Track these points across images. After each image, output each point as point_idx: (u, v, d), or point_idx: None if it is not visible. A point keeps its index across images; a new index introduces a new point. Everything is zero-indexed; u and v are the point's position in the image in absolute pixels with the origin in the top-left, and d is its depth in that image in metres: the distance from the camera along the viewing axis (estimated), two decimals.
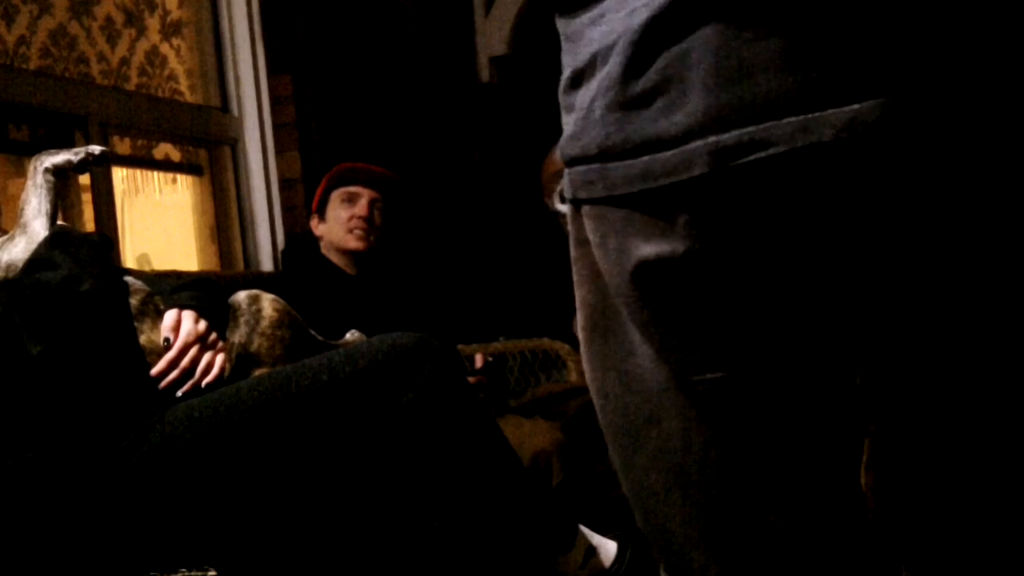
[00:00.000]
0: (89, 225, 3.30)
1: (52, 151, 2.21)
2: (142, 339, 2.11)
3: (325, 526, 2.11)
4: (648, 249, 0.96)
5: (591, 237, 1.02)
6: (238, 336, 2.17)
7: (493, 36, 4.90)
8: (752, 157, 0.90)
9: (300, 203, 3.78)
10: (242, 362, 2.15)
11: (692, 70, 0.92)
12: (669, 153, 0.93)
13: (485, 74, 4.92)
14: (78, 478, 1.97)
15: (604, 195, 0.97)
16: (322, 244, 3.34)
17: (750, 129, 0.90)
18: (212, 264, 3.80)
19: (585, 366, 1.12)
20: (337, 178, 3.35)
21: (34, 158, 2.20)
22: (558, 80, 1.06)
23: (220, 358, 2.14)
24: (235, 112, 3.86)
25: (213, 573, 2.21)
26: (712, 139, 0.91)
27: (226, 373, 2.13)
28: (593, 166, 0.98)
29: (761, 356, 0.99)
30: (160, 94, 3.66)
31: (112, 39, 3.52)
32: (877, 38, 0.90)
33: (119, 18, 3.55)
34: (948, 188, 0.91)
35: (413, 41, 4.54)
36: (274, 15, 3.86)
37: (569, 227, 1.07)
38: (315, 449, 2.05)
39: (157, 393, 2.08)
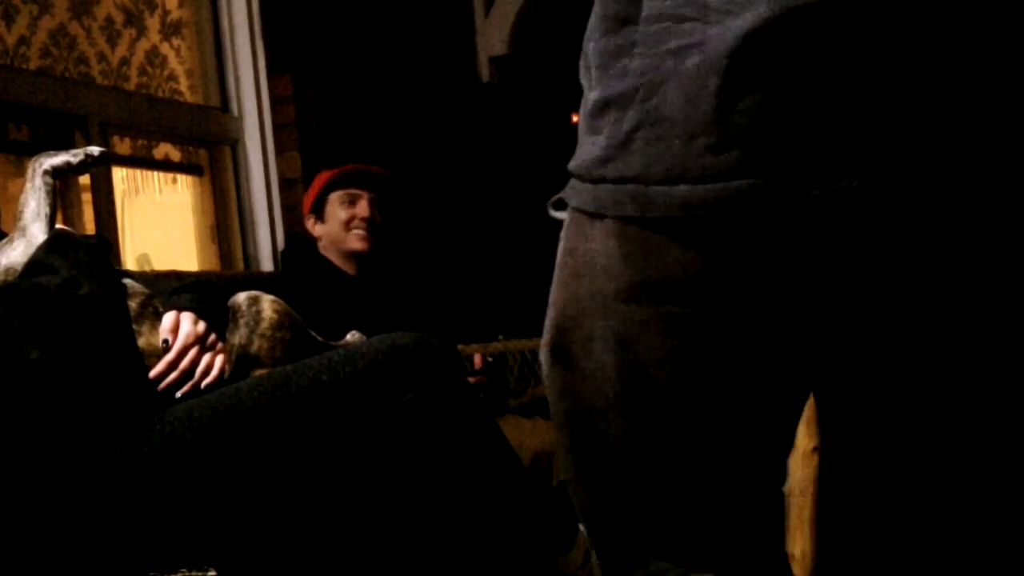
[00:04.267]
0: (89, 225, 3.30)
1: (51, 152, 2.20)
2: (141, 341, 2.10)
3: (325, 526, 2.11)
4: (669, 267, 1.03)
5: (597, 246, 1.08)
6: (238, 337, 2.16)
7: (493, 36, 4.90)
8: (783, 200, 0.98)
9: (300, 203, 3.78)
10: (242, 363, 2.15)
11: (738, 114, 0.98)
12: (709, 186, 1.00)
13: (485, 74, 4.93)
14: (78, 478, 1.97)
15: (636, 215, 1.03)
16: (320, 245, 3.34)
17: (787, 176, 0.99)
18: (212, 264, 3.80)
19: (548, 357, 1.21)
20: (337, 180, 3.35)
21: (33, 160, 2.20)
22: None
23: (219, 359, 2.14)
24: (235, 112, 3.86)
25: (213, 573, 2.21)
26: (754, 180, 0.98)
27: (226, 374, 2.13)
28: (627, 187, 1.03)
29: (745, 375, 1.06)
30: (160, 94, 3.66)
31: (112, 39, 3.52)
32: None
33: (119, 18, 3.55)
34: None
35: (413, 41, 4.54)
36: (274, 15, 3.86)
37: (564, 232, 1.12)
38: (315, 449, 2.05)
39: (156, 395, 2.08)
